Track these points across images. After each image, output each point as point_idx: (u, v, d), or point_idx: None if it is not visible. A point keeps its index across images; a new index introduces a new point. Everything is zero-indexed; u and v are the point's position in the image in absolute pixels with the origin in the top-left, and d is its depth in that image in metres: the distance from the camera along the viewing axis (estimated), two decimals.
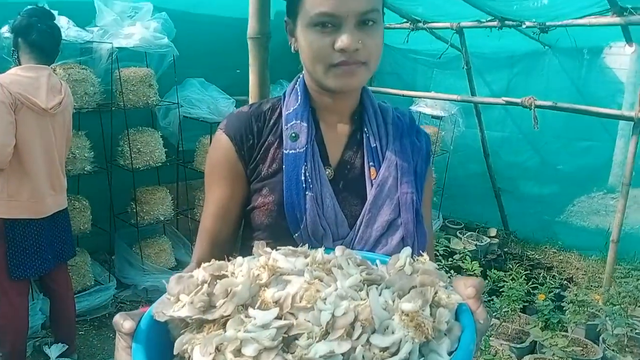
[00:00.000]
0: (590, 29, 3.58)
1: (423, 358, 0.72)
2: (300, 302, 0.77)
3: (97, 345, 3.18)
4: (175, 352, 0.78)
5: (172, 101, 3.85)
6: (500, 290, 2.91)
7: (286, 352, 0.72)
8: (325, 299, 0.76)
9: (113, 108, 3.57)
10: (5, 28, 2.59)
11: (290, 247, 0.92)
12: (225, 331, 0.75)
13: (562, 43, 4.26)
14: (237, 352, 0.73)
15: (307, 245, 0.93)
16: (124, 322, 0.80)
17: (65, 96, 2.66)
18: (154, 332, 0.81)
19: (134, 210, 3.73)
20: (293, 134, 1.06)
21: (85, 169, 3.40)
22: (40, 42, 2.53)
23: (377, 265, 0.93)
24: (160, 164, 3.73)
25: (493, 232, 4.58)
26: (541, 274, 3.36)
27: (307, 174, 1.04)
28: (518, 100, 3.49)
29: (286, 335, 0.73)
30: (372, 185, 1.07)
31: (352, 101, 1.12)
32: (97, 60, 3.47)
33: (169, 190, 3.93)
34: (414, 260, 0.88)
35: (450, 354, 0.73)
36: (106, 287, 3.53)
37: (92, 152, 3.45)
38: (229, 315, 0.78)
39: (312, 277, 0.82)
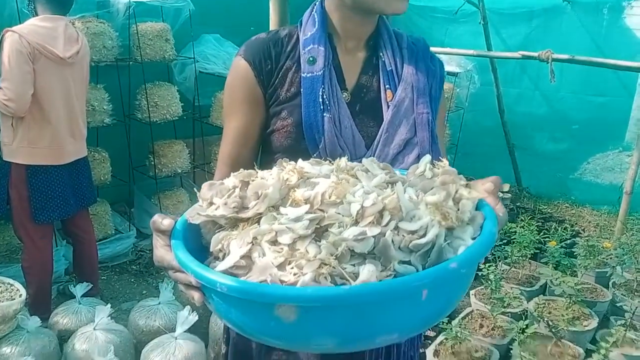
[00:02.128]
0: None
1: (448, 242, 0.77)
2: (329, 198, 0.82)
3: (119, 289, 3.30)
4: (212, 249, 0.83)
5: (189, 56, 3.87)
6: (512, 239, 2.96)
7: (319, 241, 0.78)
8: (354, 194, 0.81)
9: (130, 62, 3.60)
10: None
11: (314, 159, 0.97)
12: (259, 227, 0.81)
13: None
14: (273, 242, 0.78)
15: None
16: (163, 220, 0.86)
17: (82, 46, 2.70)
18: (187, 236, 0.86)
19: (152, 163, 3.81)
20: (311, 58, 1.09)
21: (104, 121, 3.47)
22: None
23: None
24: (177, 118, 3.79)
25: (506, 187, 4.60)
26: (553, 226, 3.40)
27: (325, 96, 1.08)
28: (535, 54, 3.45)
29: (318, 226, 0.79)
30: (388, 107, 1.11)
31: (371, 27, 1.15)
32: (114, 15, 3.50)
33: (185, 144, 3.99)
34: (433, 166, 0.93)
35: (474, 239, 0.78)
36: (126, 235, 3.65)
37: (111, 105, 3.51)
38: (261, 214, 0.83)
39: (339, 179, 0.87)
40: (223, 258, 0.81)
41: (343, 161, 0.92)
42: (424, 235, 0.76)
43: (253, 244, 0.79)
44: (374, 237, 0.75)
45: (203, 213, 0.86)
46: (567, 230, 3.35)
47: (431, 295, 0.70)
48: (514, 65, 4.71)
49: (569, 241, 3.09)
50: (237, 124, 1.15)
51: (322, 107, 1.07)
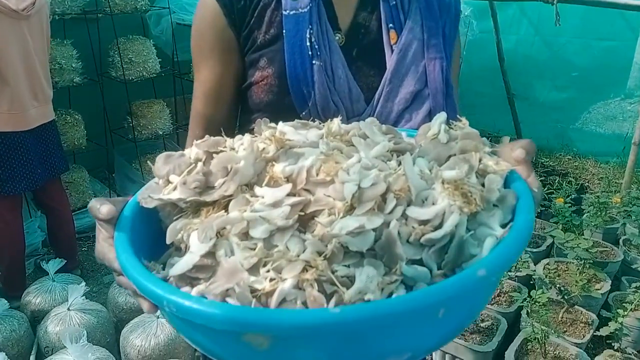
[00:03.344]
0: None
1: (471, 233, 0.57)
2: (317, 175, 0.62)
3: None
4: (168, 241, 0.64)
5: (163, 6, 3.57)
6: None
7: (303, 233, 0.58)
8: (348, 170, 0.61)
9: (99, 15, 3.32)
10: None
11: (300, 120, 0.76)
12: (227, 213, 0.61)
13: None
14: (244, 235, 0.59)
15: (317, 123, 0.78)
16: (100, 206, 0.66)
17: None
18: (141, 222, 0.67)
19: (131, 124, 3.57)
20: None
21: (74, 80, 3.21)
22: None
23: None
24: (154, 75, 3.52)
25: (506, 140, 4.40)
26: (556, 180, 3.23)
27: (313, 39, 0.87)
28: None
29: (302, 214, 0.59)
30: (392, 51, 0.91)
31: None
32: None
33: (166, 103, 3.74)
34: (450, 127, 0.72)
35: (503, 226, 0.58)
36: None
37: (80, 63, 3.25)
38: (231, 196, 0.63)
39: (329, 149, 0.66)
40: (186, 250, 0.62)
41: (335, 123, 0.72)
42: (440, 226, 0.57)
43: (218, 238, 0.59)
44: (374, 230, 0.55)
45: (155, 196, 0.66)
46: (571, 185, 3.18)
47: (450, 312, 0.52)
48: (515, 9, 4.43)
49: (574, 196, 2.92)
50: (207, 76, 0.95)
51: (310, 52, 0.87)
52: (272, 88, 0.90)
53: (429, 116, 0.90)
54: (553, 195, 2.86)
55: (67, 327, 1.99)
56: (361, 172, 0.60)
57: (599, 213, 2.50)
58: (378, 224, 0.56)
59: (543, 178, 3.35)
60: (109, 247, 0.65)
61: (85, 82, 3.32)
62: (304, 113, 0.88)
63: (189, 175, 0.66)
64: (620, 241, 2.67)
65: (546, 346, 1.88)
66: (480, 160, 0.66)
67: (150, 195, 0.68)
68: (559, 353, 1.94)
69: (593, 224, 2.48)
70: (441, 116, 0.74)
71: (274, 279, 0.55)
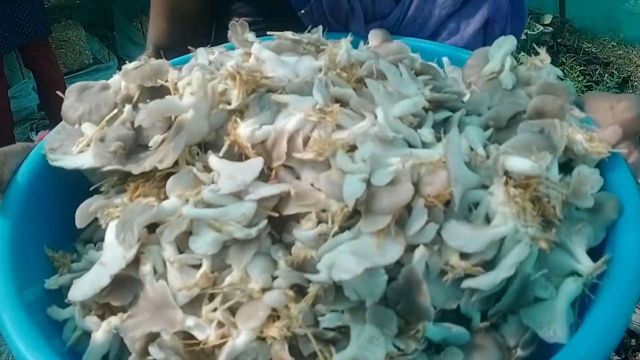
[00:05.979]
0: None
1: (544, 272, 0.36)
2: (304, 148, 0.39)
3: None
4: (78, 224, 0.43)
5: None
6: None
7: (279, 243, 0.37)
8: (353, 154, 0.37)
9: None
10: None
11: (290, 34, 0.50)
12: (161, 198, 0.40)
13: None
14: (184, 238, 0.38)
15: (320, 30, 0.55)
16: None
17: None
18: (54, 182, 0.47)
19: None
20: None
21: None
22: None
23: (443, 70, 0.53)
24: None
25: (547, 19, 3.91)
26: (597, 71, 2.89)
27: None
28: None
29: (276, 215, 0.37)
30: None
31: None
32: None
33: None
34: (519, 60, 0.47)
35: (593, 252, 0.37)
36: (106, 66, 3.16)
37: None
38: (172, 167, 0.41)
39: (326, 101, 0.42)
40: None
41: (343, 47, 0.47)
42: (494, 262, 0.35)
43: (145, 242, 0.39)
44: (389, 269, 0.34)
45: (57, 157, 0.45)
46: (613, 77, 2.85)
47: None
48: None
49: (615, 90, 2.61)
50: None
51: None
52: None
53: (485, 29, 0.64)
54: (592, 89, 2.57)
55: None
56: (374, 158, 0.37)
57: None
58: (395, 257, 0.34)
59: (583, 67, 3.00)
60: None
61: None
62: (303, 11, 0.62)
63: (110, 127, 0.43)
64: None
65: None
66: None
67: (50, 151, 0.46)
68: None
69: None
70: (507, 42, 0.49)
71: (224, 326, 0.35)
